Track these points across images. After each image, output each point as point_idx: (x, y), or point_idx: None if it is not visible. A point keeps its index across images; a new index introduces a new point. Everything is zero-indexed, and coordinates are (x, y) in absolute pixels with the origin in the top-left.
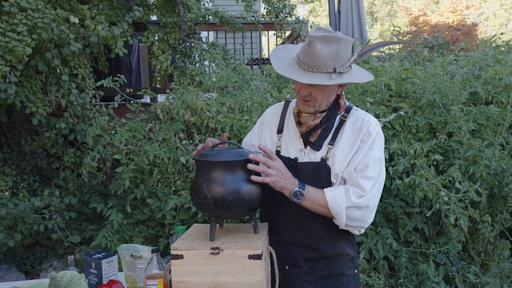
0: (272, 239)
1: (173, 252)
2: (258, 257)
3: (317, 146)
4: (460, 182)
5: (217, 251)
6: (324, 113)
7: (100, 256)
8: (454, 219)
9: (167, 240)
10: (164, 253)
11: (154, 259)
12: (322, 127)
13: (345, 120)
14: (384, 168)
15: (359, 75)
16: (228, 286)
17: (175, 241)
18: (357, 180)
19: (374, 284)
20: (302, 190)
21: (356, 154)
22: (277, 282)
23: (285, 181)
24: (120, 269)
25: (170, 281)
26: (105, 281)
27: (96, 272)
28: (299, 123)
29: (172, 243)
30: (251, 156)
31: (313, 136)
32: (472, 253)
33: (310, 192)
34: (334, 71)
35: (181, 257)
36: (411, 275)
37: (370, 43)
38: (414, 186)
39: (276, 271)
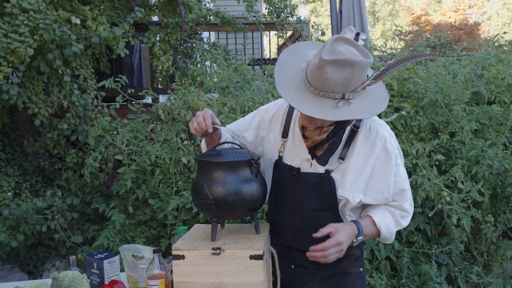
0: (275, 241)
1: (174, 252)
2: (259, 257)
3: (323, 161)
4: (462, 182)
5: (218, 251)
6: (332, 127)
7: (102, 256)
8: (457, 219)
9: (169, 240)
10: (166, 254)
11: (155, 260)
12: (329, 142)
13: (357, 131)
14: None
15: (369, 103)
16: (230, 286)
17: (177, 241)
18: (401, 205)
19: (376, 284)
20: (362, 236)
21: (377, 175)
22: (279, 283)
23: (347, 241)
24: (122, 270)
25: (172, 281)
26: (107, 281)
27: (98, 272)
28: (304, 136)
29: (173, 244)
30: (310, 255)
31: (320, 150)
32: (475, 253)
33: (367, 232)
34: (343, 97)
35: (182, 257)
36: (413, 275)
37: (394, 58)
38: (416, 186)
39: (278, 271)
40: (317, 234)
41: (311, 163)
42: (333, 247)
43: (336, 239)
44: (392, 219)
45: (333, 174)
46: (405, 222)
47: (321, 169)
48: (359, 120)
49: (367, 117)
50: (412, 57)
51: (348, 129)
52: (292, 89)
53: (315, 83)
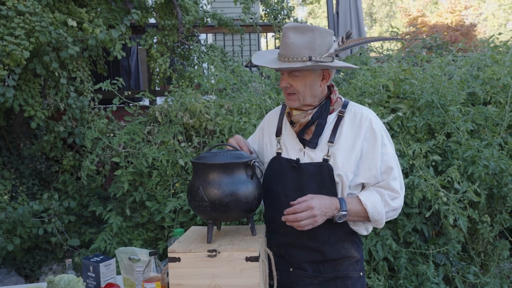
0: (275, 241)
1: (170, 254)
2: (255, 259)
3: (313, 144)
4: (459, 183)
5: (214, 253)
6: (315, 109)
7: (98, 259)
8: (453, 220)
9: (167, 242)
10: (164, 256)
11: (152, 262)
12: (315, 123)
13: (343, 116)
14: None
15: (338, 64)
16: None
17: (173, 243)
18: (389, 183)
19: (374, 285)
20: (345, 212)
21: (366, 155)
22: (275, 284)
23: (325, 213)
24: (118, 273)
25: (168, 284)
26: (103, 285)
27: (94, 275)
28: (291, 123)
29: (169, 246)
30: (284, 218)
31: (308, 134)
32: (472, 253)
33: (352, 208)
34: (310, 59)
35: (178, 259)
36: (411, 276)
37: (354, 37)
38: (413, 187)
39: (274, 273)
40: (294, 202)
41: (304, 152)
42: (304, 211)
43: (307, 204)
44: (379, 199)
45: (330, 162)
46: (396, 203)
47: (315, 157)
48: (344, 106)
49: (337, 67)
50: (377, 38)
51: (334, 115)
52: (266, 62)
53: (284, 51)
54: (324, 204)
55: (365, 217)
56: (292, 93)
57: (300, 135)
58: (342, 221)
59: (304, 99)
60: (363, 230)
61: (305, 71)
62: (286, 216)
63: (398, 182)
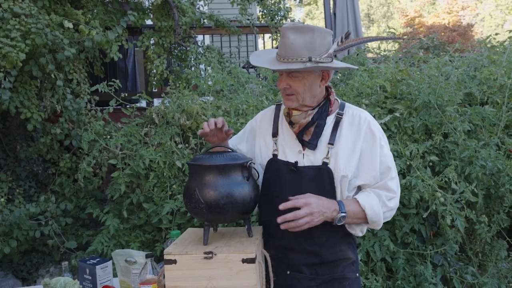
0: (272, 244)
1: (166, 257)
2: (251, 261)
3: (312, 145)
4: (456, 183)
5: (210, 255)
6: (315, 110)
7: (95, 262)
8: (451, 220)
9: (164, 244)
10: (161, 258)
11: (148, 264)
12: (315, 124)
13: (341, 118)
14: None
15: (338, 65)
16: None
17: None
18: (386, 183)
19: (372, 286)
20: (344, 214)
21: (365, 156)
22: (272, 286)
23: (322, 212)
24: (115, 275)
25: (164, 286)
26: (99, 287)
27: (90, 278)
28: (291, 123)
29: (166, 248)
30: (280, 219)
31: (307, 135)
32: (470, 254)
33: (350, 210)
34: (309, 60)
35: (174, 262)
36: (409, 276)
37: (352, 37)
38: (410, 188)
39: (271, 275)
40: (292, 198)
41: (303, 154)
42: (302, 206)
43: (304, 200)
44: (377, 200)
45: (330, 165)
46: (392, 203)
47: (314, 159)
48: (342, 108)
49: (338, 67)
50: (375, 38)
51: (332, 117)
52: (265, 62)
53: (282, 52)
54: (323, 204)
55: (364, 219)
56: (291, 94)
57: (300, 136)
58: (342, 223)
59: (303, 100)
60: (359, 231)
61: (304, 72)
62: (284, 216)
63: (395, 182)
